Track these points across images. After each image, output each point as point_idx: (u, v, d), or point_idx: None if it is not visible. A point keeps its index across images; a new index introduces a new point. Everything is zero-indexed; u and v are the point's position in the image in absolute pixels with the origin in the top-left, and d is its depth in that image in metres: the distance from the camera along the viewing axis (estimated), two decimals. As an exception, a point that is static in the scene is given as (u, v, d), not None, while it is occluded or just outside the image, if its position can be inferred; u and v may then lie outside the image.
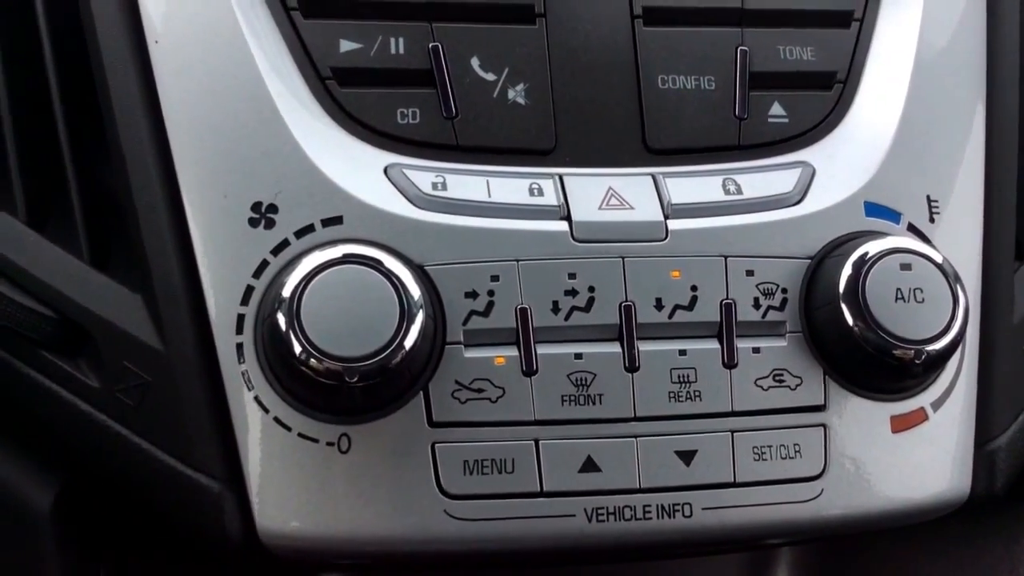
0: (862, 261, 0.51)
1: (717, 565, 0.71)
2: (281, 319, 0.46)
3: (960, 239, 0.56)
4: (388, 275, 0.47)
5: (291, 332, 0.46)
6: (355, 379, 0.46)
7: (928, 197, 0.55)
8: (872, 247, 0.51)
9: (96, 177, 0.54)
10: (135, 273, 0.51)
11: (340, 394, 0.47)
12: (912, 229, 0.55)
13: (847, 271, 0.51)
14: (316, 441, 0.49)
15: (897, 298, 0.50)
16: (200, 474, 0.49)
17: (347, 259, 0.47)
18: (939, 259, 0.51)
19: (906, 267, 0.51)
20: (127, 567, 0.56)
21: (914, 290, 0.50)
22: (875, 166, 0.55)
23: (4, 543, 0.52)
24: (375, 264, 0.47)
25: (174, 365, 0.49)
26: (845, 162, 0.55)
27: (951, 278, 0.51)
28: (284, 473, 0.49)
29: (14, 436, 0.53)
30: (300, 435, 0.49)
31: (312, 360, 0.46)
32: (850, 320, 0.50)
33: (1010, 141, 0.59)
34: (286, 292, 0.47)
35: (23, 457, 0.53)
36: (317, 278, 0.47)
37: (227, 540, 0.49)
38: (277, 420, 0.49)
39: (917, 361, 0.50)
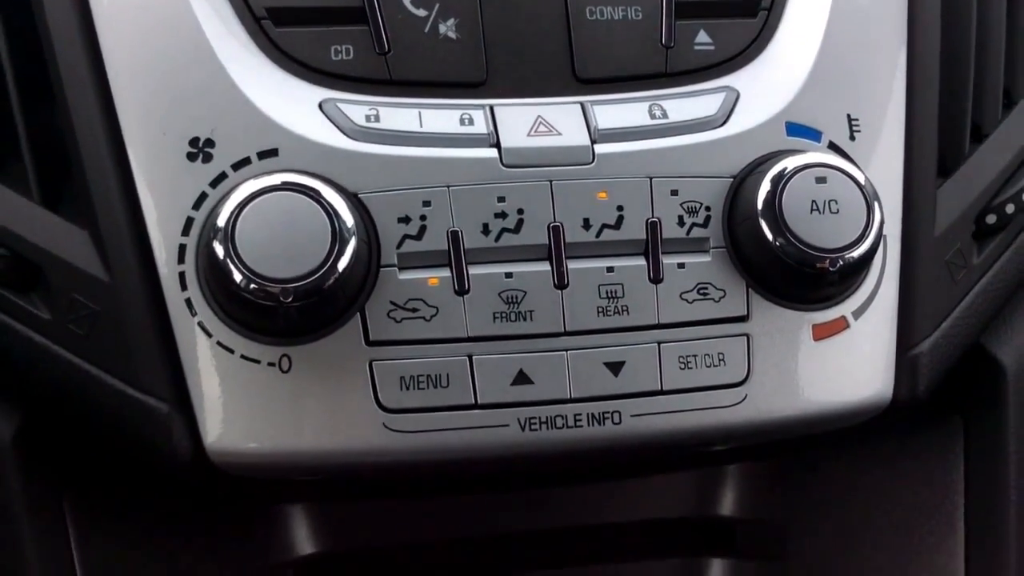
0: (779, 176, 0.53)
1: (668, 485, 0.74)
2: (218, 246, 0.49)
3: (882, 156, 0.58)
4: (320, 201, 0.49)
5: (228, 257, 0.48)
6: (290, 299, 0.48)
7: (848, 116, 0.57)
8: (789, 163, 0.53)
9: (45, 123, 0.56)
10: (82, 213, 0.53)
11: (278, 315, 0.49)
12: (833, 147, 0.57)
13: (765, 186, 0.53)
14: (258, 362, 0.51)
15: (813, 210, 0.52)
16: (149, 397, 0.51)
17: (281, 187, 0.49)
18: (853, 171, 0.53)
19: (821, 180, 0.53)
20: (89, 498, 0.58)
21: (829, 201, 0.53)
22: (796, 88, 0.57)
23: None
24: (307, 191, 0.49)
25: (121, 295, 0.52)
26: (768, 85, 0.57)
27: (865, 189, 0.53)
28: (229, 393, 0.51)
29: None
30: (243, 357, 0.51)
31: (248, 283, 0.48)
32: (768, 233, 0.53)
33: (931, 63, 0.61)
34: (222, 218, 0.49)
35: (-17, 392, 0.55)
36: (251, 205, 0.49)
37: (177, 458, 0.51)
38: (220, 344, 0.51)
39: (832, 269, 0.52)
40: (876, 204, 0.53)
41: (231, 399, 0.51)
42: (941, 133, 0.61)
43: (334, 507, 0.69)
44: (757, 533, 0.73)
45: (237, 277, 0.48)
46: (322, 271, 0.48)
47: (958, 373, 0.61)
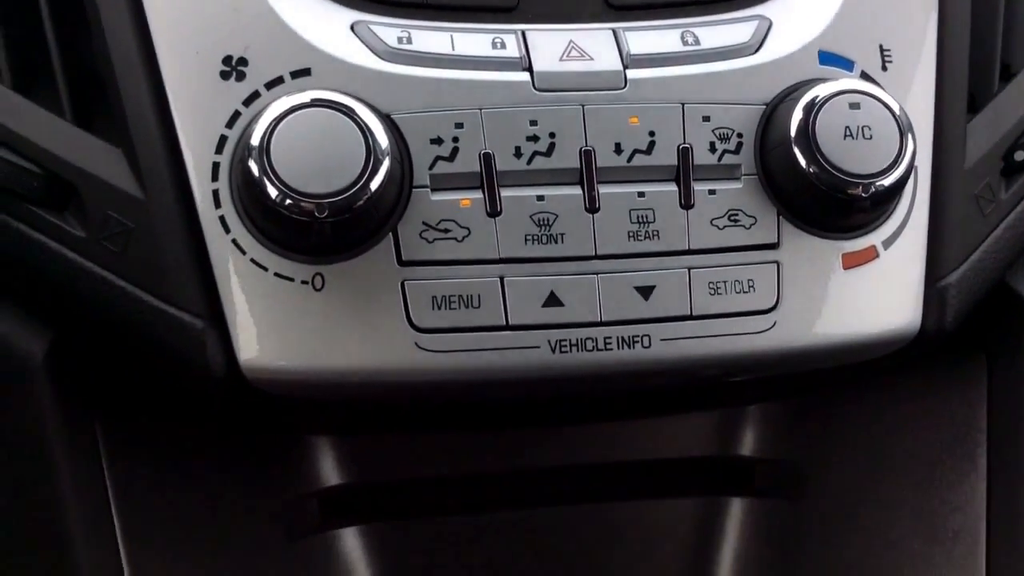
0: (813, 102, 0.53)
1: (689, 426, 0.74)
2: (253, 162, 0.49)
3: (913, 88, 0.58)
4: (355, 119, 0.49)
5: (263, 173, 0.48)
6: (324, 215, 0.48)
7: (881, 47, 0.57)
8: (822, 89, 0.53)
9: (77, 43, 0.56)
10: (116, 131, 0.53)
11: (312, 232, 0.49)
12: (865, 77, 0.56)
13: (798, 113, 0.53)
14: (291, 280, 0.51)
15: (846, 136, 0.52)
16: (183, 313, 0.52)
17: (316, 104, 0.49)
18: (887, 99, 0.53)
19: (855, 106, 0.53)
20: (121, 420, 0.59)
21: (862, 127, 0.53)
22: (829, 17, 0.57)
23: (1, 392, 0.55)
24: (343, 108, 0.49)
25: (155, 212, 0.52)
26: (801, 14, 0.57)
27: (899, 117, 0.53)
28: (262, 311, 0.51)
29: (6, 292, 0.56)
30: (276, 275, 0.51)
31: (284, 199, 0.48)
32: (801, 159, 0.52)
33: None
34: (256, 135, 0.49)
35: (16, 312, 0.56)
36: (285, 121, 0.49)
37: (211, 375, 0.52)
38: (254, 261, 0.51)
39: (865, 195, 0.52)
40: (909, 132, 0.53)
41: (264, 316, 0.51)
42: (971, 70, 0.61)
43: (362, 440, 0.70)
44: (776, 472, 0.74)
45: (272, 193, 0.48)
46: (356, 188, 0.48)
47: (983, 310, 0.61)
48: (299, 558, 0.67)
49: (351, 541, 0.71)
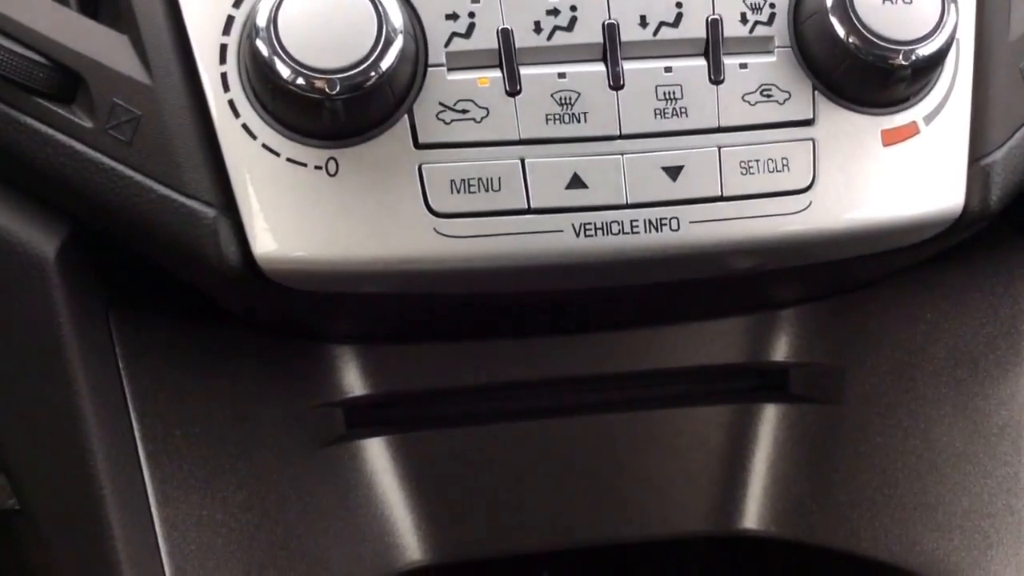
0: (849, -33, 0.50)
1: (721, 333, 0.72)
2: (261, 41, 0.47)
3: (954, -46, 0.55)
4: None
5: (272, 51, 0.46)
6: (336, 91, 0.46)
7: None
8: None
9: None
10: (121, 18, 0.52)
11: (324, 111, 0.47)
12: None
13: (834, -22, 0.50)
14: (304, 165, 0.49)
15: (884, 0, 0.50)
16: (194, 201, 0.50)
17: None
18: None
19: None
20: (136, 317, 0.58)
21: (902, -9, 0.50)
22: None
23: (14, 290, 0.54)
24: None
25: (163, 98, 0.50)
26: None
27: None
28: (275, 198, 0.50)
29: (16, 188, 0.55)
30: (289, 160, 0.49)
31: (295, 77, 0.46)
32: (838, 27, 0.50)
33: None
34: (263, 12, 0.47)
35: (27, 208, 0.54)
36: None
37: (225, 265, 0.50)
38: (265, 146, 0.49)
39: (905, 63, 0.49)
40: None
41: (278, 204, 0.50)
42: None
43: (386, 350, 0.68)
44: (811, 377, 0.72)
45: (282, 71, 0.46)
46: (369, 62, 0.46)
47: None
48: (323, 466, 0.66)
49: (376, 450, 0.70)
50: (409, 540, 0.70)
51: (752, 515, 0.73)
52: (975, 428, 0.64)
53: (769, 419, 0.73)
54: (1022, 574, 0.59)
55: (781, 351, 0.73)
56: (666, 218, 0.51)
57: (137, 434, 0.56)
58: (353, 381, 0.69)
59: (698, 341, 0.73)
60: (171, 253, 0.52)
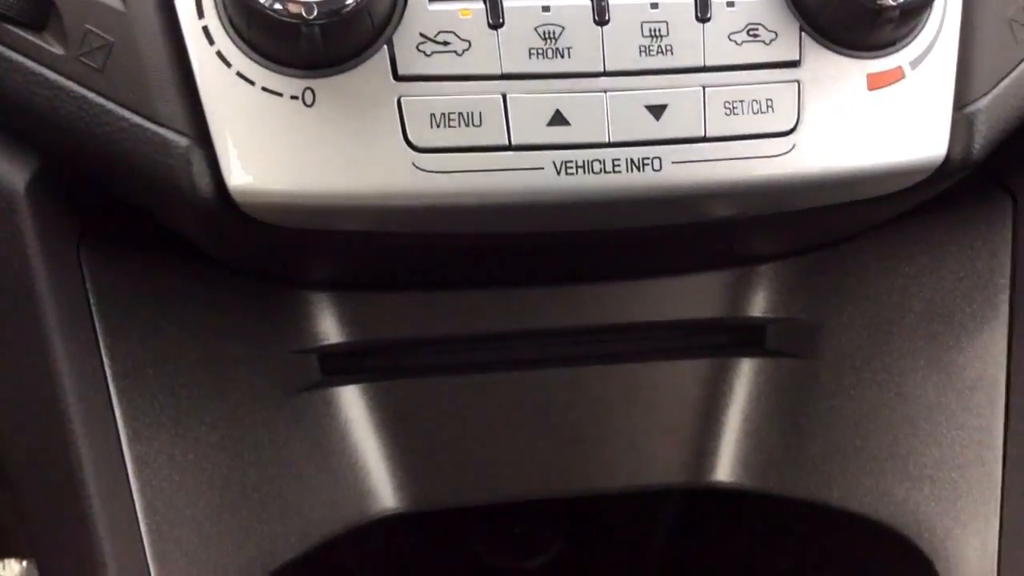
0: (840, -94, 0.49)
1: (700, 287, 0.72)
2: None
3: None
4: None
5: None
6: (314, 15, 0.45)
7: None
8: None
9: None
10: None
11: (301, 39, 0.46)
12: None
13: (824, -85, 0.49)
14: (280, 95, 0.48)
15: None
16: (167, 130, 0.49)
17: None
18: None
19: None
20: (106, 252, 0.57)
21: (892, -69, 0.49)
22: None
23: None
24: None
25: (135, 24, 0.49)
26: None
27: None
28: (250, 129, 0.49)
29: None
30: (264, 89, 0.48)
31: (272, 1, 0.45)
32: None
33: None
34: None
35: (-3, 139, 0.53)
36: None
37: (198, 198, 0.49)
38: (240, 75, 0.48)
39: (893, 4, 0.49)
40: None
41: (252, 135, 0.49)
42: None
43: (362, 298, 0.68)
44: (788, 332, 0.72)
45: None
46: None
47: (1011, 148, 0.59)
48: (297, 412, 0.66)
49: (351, 398, 0.69)
50: (383, 488, 0.70)
51: (726, 468, 0.73)
52: (949, 381, 0.64)
53: (745, 373, 0.73)
54: (990, 524, 0.60)
55: (758, 306, 0.73)
56: (648, 157, 0.50)
57: (108, 371, 0.55)
58: (329, 328, 0.68)
59: (676, 296, 0.73)
60: (143, 185, 0.51)
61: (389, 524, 1.03)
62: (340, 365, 0.69)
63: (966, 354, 0.64)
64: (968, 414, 0.63)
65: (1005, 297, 0.63)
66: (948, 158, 0.54)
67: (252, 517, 0.60)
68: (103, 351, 0.55)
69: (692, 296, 0.73)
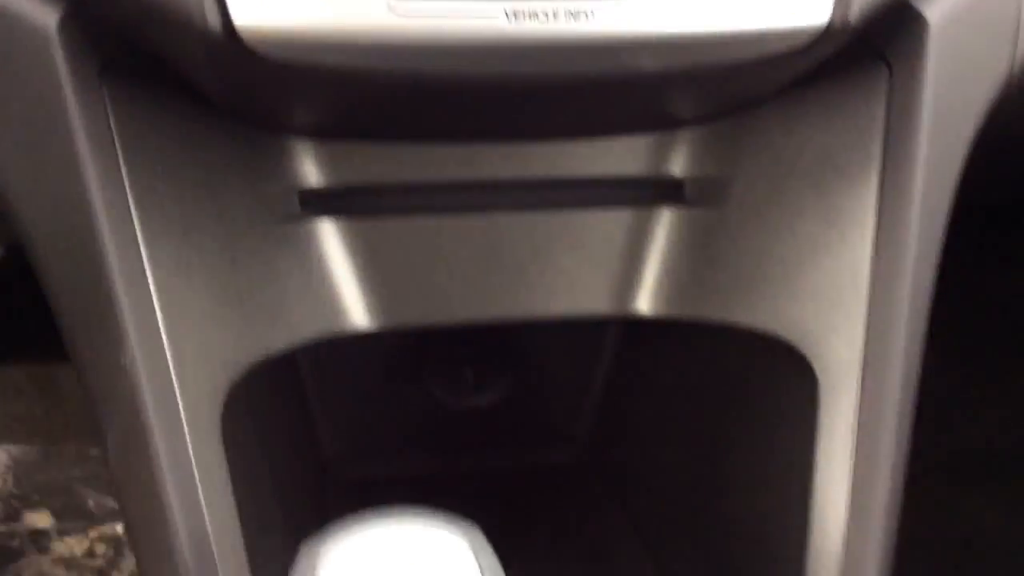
0: None
1: (628, 146, 0.83)
2: None
3: None
4: None
5: None
6: None
7: None
8: None
9: None
10: None
11: None
12: None
13: None
14: None
15: None
16: None
17: None
18: None
19: None
20: (127, 88, 0.66)
21: None
22: None
23: (18, 60, 0.62)
24: None
25: None
26: None
27: None
28: None
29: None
30: None
31: None
32: None
33: None
34: None
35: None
36: None
37: (208, 31, 0.58)
38: None
39: None
40: None
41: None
42: None
43: (340, 147, 0.78)
44: (703, 186, 0.84)
45: None
46: None
47: (887, 23, 0.70)
48: (283, 238, 0.77)
49: (327, 231, 0.80)
50: (355, 307, 0.81)
51: (646, 299, 0.86)
52: (832, 221, 0.76)
53: (664, 220, 0.85)
54: (857, 331, 0.73)
55: (678, 164, 0.85)
56: (583, 10, 0.61)
57: (126, 181, 0.65)
58: (310, 170, 0.79)
59: (609, 154, 0.84)
60: (158, 20, 0.60)
61: (357, 368, 1.16)
62: (319, 202, 0.80)
63: (847, 197, 0.76)
64: (844, 246, 0.75)
65: (879, 151, 0.75)
66: (830, 25, 0.65)
67: (247, 314, 0.71)
68: (123, 166, 0.65)
69: (622, 155, 0.84)
